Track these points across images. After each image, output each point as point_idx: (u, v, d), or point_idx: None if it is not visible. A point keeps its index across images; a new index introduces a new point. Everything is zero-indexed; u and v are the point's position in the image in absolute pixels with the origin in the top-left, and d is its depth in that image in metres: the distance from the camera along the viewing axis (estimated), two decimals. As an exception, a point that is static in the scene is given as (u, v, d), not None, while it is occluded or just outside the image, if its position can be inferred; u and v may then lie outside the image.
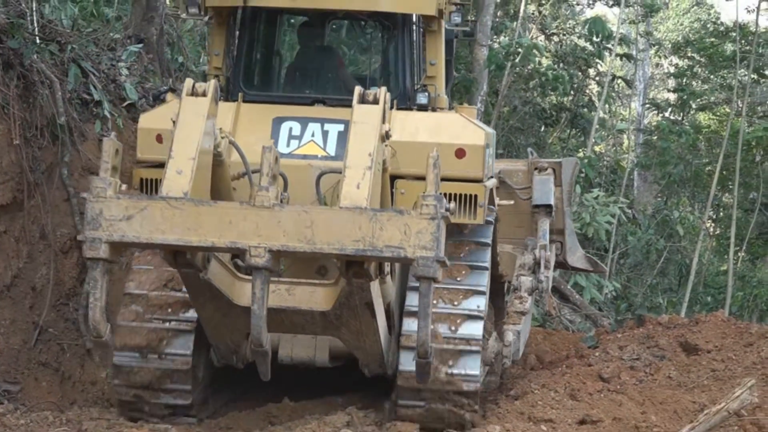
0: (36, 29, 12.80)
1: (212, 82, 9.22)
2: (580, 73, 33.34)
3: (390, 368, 10.85)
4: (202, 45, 19.34)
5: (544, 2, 38.78)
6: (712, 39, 36.67)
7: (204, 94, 9.06)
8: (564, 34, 37.73)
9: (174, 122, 8.98)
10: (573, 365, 14.48)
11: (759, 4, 33.48)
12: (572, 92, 32.66)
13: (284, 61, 12.76)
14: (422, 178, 8.87)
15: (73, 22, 14.01)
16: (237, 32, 11.87)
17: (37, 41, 12.67)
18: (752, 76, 34.27)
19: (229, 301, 9.40)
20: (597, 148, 38.83)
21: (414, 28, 11.75)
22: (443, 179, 9.40)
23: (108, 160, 8.39)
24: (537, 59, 30.97)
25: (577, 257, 15.52)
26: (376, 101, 9.15)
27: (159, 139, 10.72)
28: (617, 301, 29.01)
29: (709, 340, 14.72)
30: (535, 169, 14.59)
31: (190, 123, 8.88)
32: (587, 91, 35.60)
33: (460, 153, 10.80)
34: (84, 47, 13.50)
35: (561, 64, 32.92)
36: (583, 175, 26.04)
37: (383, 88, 9.29)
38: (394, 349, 10.75)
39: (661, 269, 33.25)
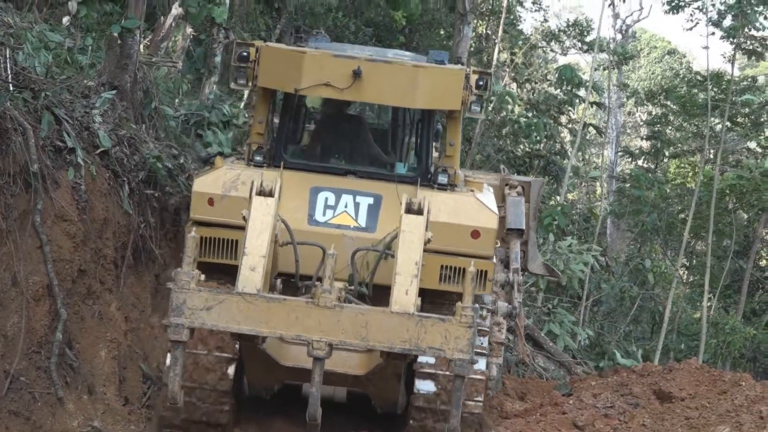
0: (9, 76, 12.76)
1: (278, 182, 10.42)
2: (552, 121, 33.49)
3: (400, 408, 12.37)
4: (177, 92, 19.35)
5: (516, 51, 38.99)
6: (685, 87, 36.92)
7: (271, 194, 10.28)
8: (536, 82, 37.94)
9: (245, 219, 10.20)
10: (547, 413, 14.49)
11: (734, 53, 33.76)
12: (545, 140, 32.79)
13: (320, 132, 13.96)
14: (440, 252, 11.58)
15: (47, 69, 13.97)
16: (283, 108, 13.16)
17: (11, 88, 12.63)
18: (726, 124, 34.50)
19: (276, 362, 11.17)
20: (570, 196, 38.98)
21: (438, 118, 13.36)
22: (459, 254, 11.65)
23: (191, 254, 9.45)
24: (510, 107, 31.13)
25: (536, 264, 16.52)
26: (420, 211, 10.35)
27: (210, 202, 12.00)
28: (594, 348, 29.00)
29: (683, 388, 14.74)
30: (506, 185, 15.49)
31: (261, 222, 10.14)
32: (560, 138, 35.75)
33: (475, 234, 12.03)
34: (58, 94, 13.46)
35: (534, 112, 33.07)
36: (555, 223, 26.10)
37: (426, 199, 10.51)
38: (404, 392, 12.24)
39: (635, 317, 33.30)
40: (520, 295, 14.56)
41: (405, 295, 9.73)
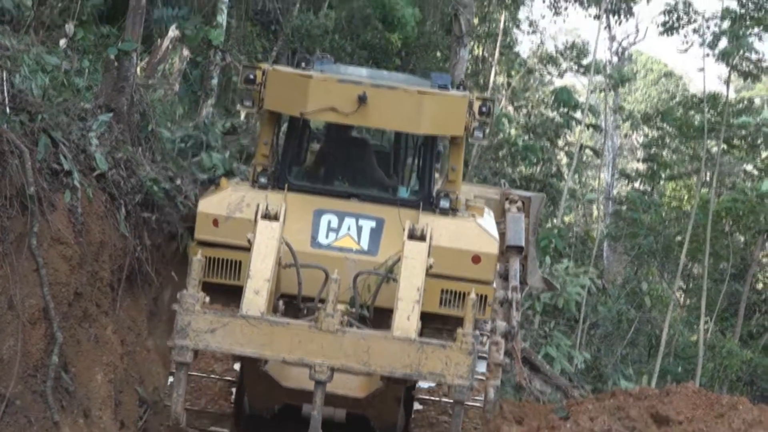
0: (6, 99, 12.75)
1: (282, 207, 10.66)
2: (549, 143, 33.53)
3: (398, 430, 12.44)
4: (173, 114, 19.34)
5: (513, 74, 39.07)
6: (681, 110, 36.97)
7: (276, 218, 10.50)
8: (533, 107, 38.01)
9: (250, 242, 10.39)
10: (544, 437, 14.42)
11: (729, 75, 33.82)
12: (542, 162, 32.83)
13: (324, 155, 14.02)
14: (441, 277, 11.64)
15: (44, 91, 13.96)
16: (288, 131, 13.27)
17: (7, 111, 12.62)
18: (722, 146, 34.54)
19: (278, 384, 11.28)
20: (567, 219, 38.98)
21: (440, 140, 13.52)
22: (459, 279, 11.82)
23: (196, 277, 9.60)
24: (506, 129, 31.15)
25: (535, 278, 16.60)
26: (423, 237, 10.53)
27: (215, 223, 12.20)
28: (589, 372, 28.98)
29: (680, 411, 14.69)
30: (507, 199, 15.65)
31: (265, 246, 10.33)
32: (556, 161, 35.78)
33: (476, 259, 12.15)
34: (54, 117, 13.43)
35: (530, 135, 33.12)
36: (553, 245, 26.09)
37: (429, 225, 10.76)
38: (403, 414, 12.33)
39: (632, 340, 33.26)
40: (519, 314, 14.56)
41: (407, 320, 9.87)
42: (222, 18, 25.14)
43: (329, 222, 12.18)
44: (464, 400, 9.62)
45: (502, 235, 14.90)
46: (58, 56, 15.97)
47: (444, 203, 12.56)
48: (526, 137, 33.02)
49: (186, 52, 20.87)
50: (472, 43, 34.95)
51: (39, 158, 12.59)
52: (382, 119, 12.36)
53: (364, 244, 12.13)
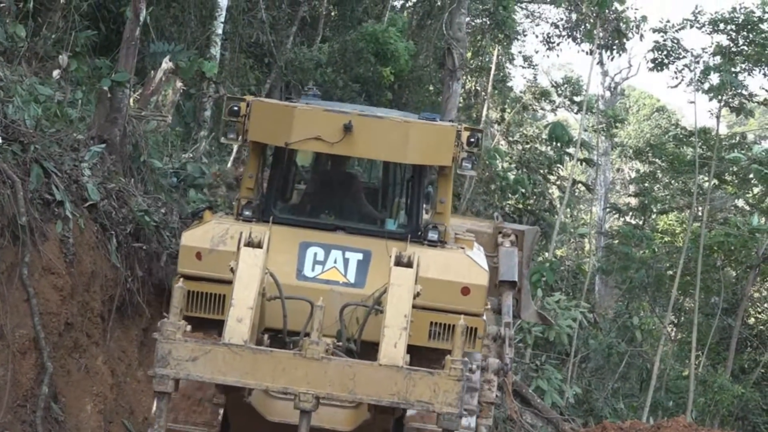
0: (-1, 129, 12.79)
1: (266, 234, 10.44)
2: (541, 178, 33.62)
3: None
4: (166, 146, 19.38)
5: (507, 109, 39.20)
6: (673, 144, 37.10)
7: (260, 245, 10.28)
8: (527, 143, 38.12)
9: (233, 270, 10.13)
10: (534, 470, 14.42)
11: (720, 111, 33.94)
12: (533, 196, 32.90)
13: (310, 188, 13.91)
14: (429, 309, 11.44)
15: (37, 122, 13.99)
16: (272, 163, 13.02)
17: (0, 141, 12.66)
18: (713, 181, 34.64)
19: (262, 417, 10.77)
20: (558, 252, 39.03)
21: (428, 172, 13.15)
22: (448, 311, 11.50)
23: (177, 305, 9.36)
24: (498, 163, 31.23)
25: (529, 313, 16.32)
26: (410, 264, 10.28)
27: (198, 256, 11.83)
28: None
29: (670, 446, 14.70)
30: (500, 233, 15.41)
31: (248, 274, 10.09)
32: (548, 195, 35.86)
33: (465, 291, 11.84)
34: (47, 147, 13.48)
35: (523, 169, 33.21)
36: (544, 279, 26.12)
37: (416, 253, 10.47)
38: None
39: (623, 373, 33.25)
40: (511, 350, 14.41)
41: (393, 347, 9.66)
42: (216, 50, 25.25)
43: (315, 254, 11.97)
44: (453, 428, 9.32)
45: (495, 269, 14.81)
46: (51, 87, 16.02)
47: (432, 235, 12.37)
48: (517, 171, 33.08)
49: (179, 84, 20.92)
50: (465, 77, 35.10)
51: (31, 188, 12.62)
52: (368, 149, 12.19)
53: (351, 276, 11.90)
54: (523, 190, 31.15)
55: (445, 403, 9.21)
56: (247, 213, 12.50)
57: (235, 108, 12.41)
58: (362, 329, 11.32)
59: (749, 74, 33.48)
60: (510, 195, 32.23)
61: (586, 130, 37.79)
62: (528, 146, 37.74)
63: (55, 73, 17.23)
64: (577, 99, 38.80)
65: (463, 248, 12.61)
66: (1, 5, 16.89)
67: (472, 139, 12.34)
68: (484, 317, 12.18)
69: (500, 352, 14.18)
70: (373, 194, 14.78)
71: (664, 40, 34.24)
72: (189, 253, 11.92)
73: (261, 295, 10.47)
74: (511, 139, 38.53)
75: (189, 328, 9.46)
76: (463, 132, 12.32)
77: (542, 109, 42.84)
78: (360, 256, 11.95)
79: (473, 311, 11.88)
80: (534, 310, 16.67)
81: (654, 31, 34.66)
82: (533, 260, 19.40)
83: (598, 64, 42.68)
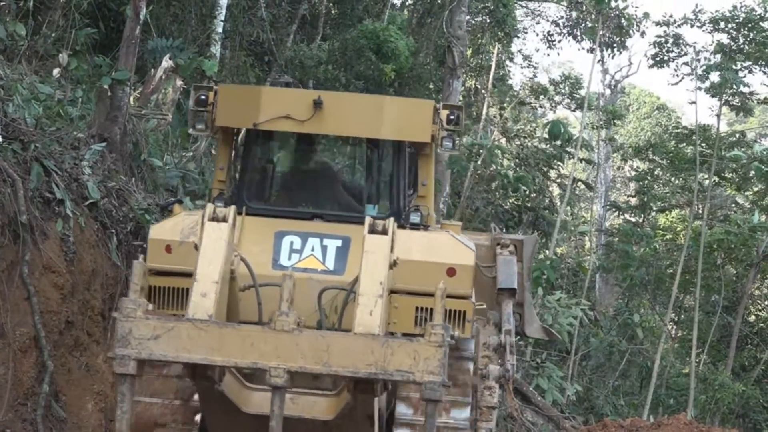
0: (-1, 128, 12.81)
1: (232, 208, 9.84)
2: (541, 175, 33.61)
3: None
4: (166, 144, 19.39)
5: (506, 105, 39.19)
6: (674, 142, 37.10)
7: (225, 219, 9.71)
8: (524, 137, 38.09)
9: (197, 246, 9.57)
10: (535, 468, 14.42)
11: (720, 108, 33.93)
12: (534, 194, 32.88)
13: (284, 177, 13.30)
14: (415, 294, 10.66)
15: (37, 121, 14.01)
16: (241, 149, 12.46)
17: (0, 140, 12.67)
18: (714, 179, 34.64)
19: (237, 409, 10.00)
20: (559, 250, 39.03)
21: (408, 151, 12.33)
22: (434, 295, 10.17)
23: (137, 281, 8.85)
24: (499, 161, 31.22)
25: (534, 328, 15.68)
26: (385, 231, 9.78)
27: (168, 249, 11.23)
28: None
29: (671, 443, 14.70)
30: (498, 244, 14.73)
31: (212, 248, 9.49)
32: (549, 193, 35.85)
33: (450, 272, 11.26)
34: (47, 146, 13.50)
35: (522, 166, 33.19)
36: (545, 277, 26.10)
37: (391, 219, 9.94)
38: None
39: (623, 371, 33.26)
40: (513, 357, 13.67)
41: (369, 316, 9.15)
42: (216, 48, 25.26)
43: (291, 243, 11.42)
44: (437, 398, 8.67)
45: (494, 279, 14.59)
46: (51, 85, 16.04)
47: (414, 218, 11.93)
48: (518, 169, 33.07)
49: (179, 82, 20.92)
50: (465, 75, 35.09)
51: (31, 187, 12.64)
52: (339, 126, 11.77)
53: (330, 263, 11.32)
54: (525, 189, 31.09)
55: (426, 372, 8.62)
56: (218, 204, 11.61)
57: (203, 97, 11.99)
58: (342, 316, 10.77)
59: (750, 72, 33.48)
60: (511, 193, 32.17)
61: (585, 128, 37.77)
62: (524, 139, 37.74)
63: (56, 71, 17.25)
64: (576, 96, 38.80)
65: (447, 231, 12.16)
66: (2, 4, 16.91)
67: (452, 117, 11.96)
68: (473, 299, 11.68)
69: (502, 360, 13.84)
70: (352, 178, 14.48)
71: (666, 35, 34.23)
72: (158, 247, 11.37)
73: (232, 279, 10.04)
74: (508, 135, 38.49)
75: (151, 306, 8.92)
76: (442, 110, 11.95)
77: (541, 106, 42.81)
78: (339, 242, 11.41)
79: (460, 293, 11.34)
80: (539, 326, 16.03)
81: (656, 24, 34.66)
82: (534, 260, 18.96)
83: (598, 62, 42.68)
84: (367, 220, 9.92)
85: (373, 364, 8.64)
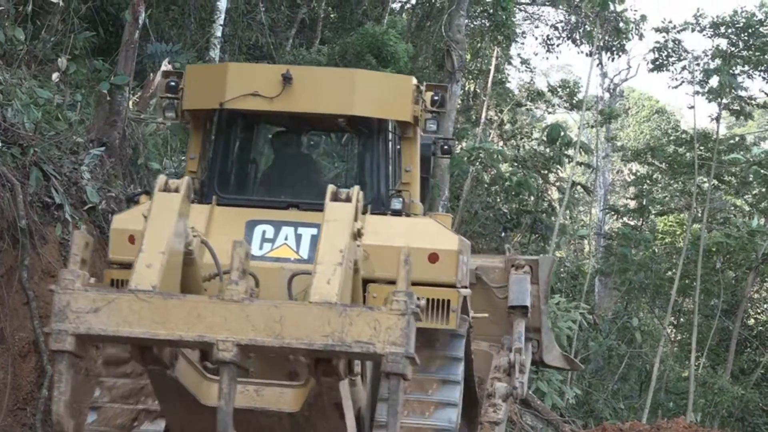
0: (-2, 132, 12.83)
1: (185, 179, 9.06)
2: (540, 179, 33.62)
3: None
4: (165, 149, 19.39)
5: (503, 109, 39.20)
6: (673, 146, 37.14)
7: (177, 191, 8.91)
8: (521, 138, 38.11)
9: (146, 217, 8.79)
10: (534, 472, 14.41)
11: (719, 113, 33.97)
12: (533, 197, 32.90)
13: (259, 166, 12.70)
14: (395, 282, 8.82)
15: (36, 125, 14.02)
16: (213, 136, 11.83)
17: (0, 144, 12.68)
18: (713, 182, 34.67)
19: (196, 401, 9.22)
20: (558, 254, 39.02)
21: (389, 134, 11.78)
22: (416, 283, 9.13)
23: (78, 252, 8.17)
24: (500, 165, 31.23)
25: (553, 356, 15.26)
26: (348, 200, 9.04)
27: (131, 240, 10.52)
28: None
29: (670, 447, 14.70)
30: (512, 266, 14.29)
31: (161, 218, 8.77)
32: (548, 196, 35.86)
33: (433, 258, 10.72)
34: (46, 150, 13.50)
35: (522, 170, 33.19)
36: (546, 279, 26.07)
37: (356, 187, 9.11)
38: None
39: (623, 375, 33.27)
40: (523, 376, 13.46)
41: (326, 284, 8.31)
42: (215, 53, 25.25)
43: (264, 232, 10.87)
44: (401, 371, 7.82)
45: (505, 299, 13.97)
46: (50, 90, 16.03)
47: (396, 204, 11.31)
48: (520, 173, 33.07)
49: (179, 87, 20.89)
50: (464, 78, 35.11)
51: (30, 191, 12.64)
52: (310, 102, 11.13)
53: (304, 252, 10.72)
54: (527, 193, 31.09)
55: (388, 342, 7.80)
56: None
57: (173, 83, 11.44)
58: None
59: (749, 77, 33.52)
60: (513, 197, 32.18)
61: (582, 128, 37.78)
62: (521, 141, 37.76)
63: (55, 76, 17.23)
64: (574, 100, 38.84)
65: (431, 216, 11.62)
66: (0, 8, 16.89)
67: (436, 98, 11.41)
68: (459, 288, 10.99)
69: (510, 379, 13.30)
70: (329, 164, 14.04)
71: (665, 41, 34.27)
72: (120, 237, 10.80)
73: (192, 265, 9.35)
74: (506, 137, 38.51)
75: (93, 280, 8.17)
76: (425, 91, 11.42)
77: (537, 108, 42.82)
78: (314, 230, 10.64)
79: (443, 281, 10.76)
80: (559, 353, 15.63)
81: (656, 30, 34.71)
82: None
83: (597, 65, 42.69)
84: (330, 188, 9.11)
85: (329, 335, 7.84)
